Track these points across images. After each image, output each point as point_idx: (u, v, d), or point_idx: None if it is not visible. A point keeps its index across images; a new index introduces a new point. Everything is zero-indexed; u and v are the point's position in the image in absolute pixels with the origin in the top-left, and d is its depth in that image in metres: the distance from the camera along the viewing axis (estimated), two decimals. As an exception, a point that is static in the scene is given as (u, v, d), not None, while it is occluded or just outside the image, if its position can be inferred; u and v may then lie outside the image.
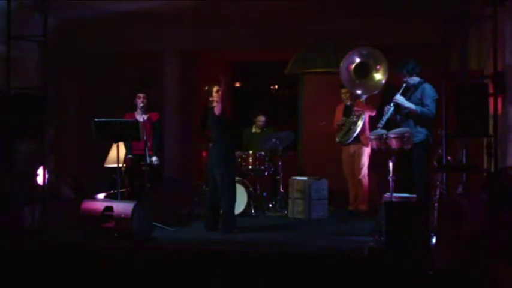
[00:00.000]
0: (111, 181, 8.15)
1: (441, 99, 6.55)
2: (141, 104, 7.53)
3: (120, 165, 7.25)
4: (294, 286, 5.69)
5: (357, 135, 8.03)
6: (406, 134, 6.60)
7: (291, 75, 10.14)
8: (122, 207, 6.53)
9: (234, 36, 10.62)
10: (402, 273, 5.49)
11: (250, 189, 8.44)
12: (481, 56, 8.32)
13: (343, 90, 8.29)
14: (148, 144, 7.21)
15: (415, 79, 7.06)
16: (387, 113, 7.08)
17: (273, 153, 8.75)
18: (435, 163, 6.80)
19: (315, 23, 9.94)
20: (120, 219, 6.45)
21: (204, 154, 9.85)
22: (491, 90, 6.42)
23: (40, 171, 7.11)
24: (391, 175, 6.59)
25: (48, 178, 7.05)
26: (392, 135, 6.64)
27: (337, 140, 8.32)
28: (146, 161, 7.14)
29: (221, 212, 7.15)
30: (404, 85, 7.08)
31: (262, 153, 8.63)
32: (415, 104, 6.94)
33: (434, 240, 5.90)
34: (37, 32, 7.03)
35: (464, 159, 6.76)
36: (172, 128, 11.00)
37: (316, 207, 8.05)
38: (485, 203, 5.99)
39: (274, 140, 8.54)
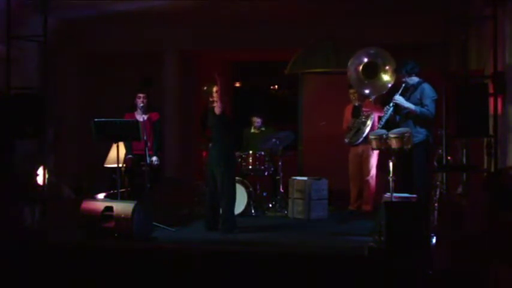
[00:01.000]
0: (111, 181, 8.15)
1: (441, 99, 6.55)
2: (141, 104, 7.53)
3: (120, 165, 7.25)
4: (294, 286, 5.69)
5: (366, 135, 8.01)
6: (406, 134, 6.61)
7: (291, 75, 10.14)
8: (121, 207, 6.53)
9: (234, 36, 10.62)
10: (402, 273, 5.49)
11: (250, 189, 8.44)
12: (481, 56, 8.32)
13: (351, 91, 8.29)
14: (148, 144, 7.21)
15: (414, 79, 7.06)
16: (386, 113, 7.08)
17: (273, 153, 8.75)
18: (435, 163, 6.80)
19: (315, 23, 9.94)
20: (120, 219, 6.45)
21: (204, 154, 9.85)
22: (491, 90, 6.42)
23: (40, 171, 7.11)
24: (391, 175, 6.59)
25: (48, 178, 7.04)
26: (392, 135, 6.64)
27: (346, 140, 8.32)
28: (146, 161, 7.14)
29: (221, 211, 7.16)
30: (403, 85, 7.08)
31: (262, 153, 8.63)
32: (415, 104, 6.93)
33: (434, 240, 5.90)
34: (37, 32, 7.03)
35: (464, 159, 6.75)
36: (172, 128, 11.01)
37: (316, 207, 8.05)
38: (485, 203, 5.98)
39: (274, 140, 8.54)
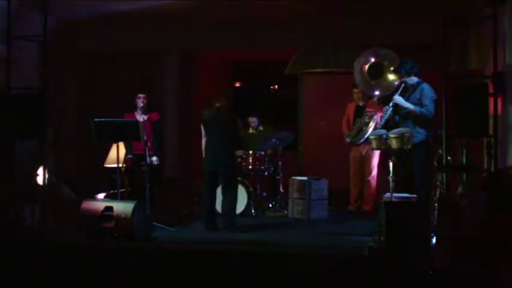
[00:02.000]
0: (111, 181, 8.15)
1: (441, 99, 6.55)
2: (141, 104, 7.53)
3: (120, 165, 7.26)
4: (294, 286, 5.69)
5: (368, 136, 8.01)
6: (406, 134, 6.60)
7: (291, 75, 10.14)
8: (121, 207, 6.53)
9: (234, 36, 10.61)
10: (402, 273, 5.49)
11: (250, 189, 8.44)
12: (481, 56, 8.32)
13: (355, 90, 8.30)
14: (148, 144, 7.21)
15: (414, 79, 7.05)
16: (386, 114, 7.08)
17: (273, 153, 8.75)
18: (435, 163, 6.80)
19: (315, 23, 9.94)
20: (120, 219, 6.45)
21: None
22: (491, 90, 6.41)
23: (40, 171, 7.11)
24: (391, 175, 6.59)
25: (48, 178, 7.04)
26: (392, 135, 6.64)
27: (348, 140, 8.33)
28: (146, 161, 7.14)
29: (222, 211, 7.17)
30: (402, 85, 7.07)
31: (262, 153, 8.63)
32: (414, 104, 6.92)
33: (434, 240, 5.90)
34: (37, 32, 7.03)
35: (464, 159, 6.75)
36: (172, 128, 11.00)
37: (316, 207, 8.05)
38: (485, 203, 5.98)
39: (274, 140, 8.53)
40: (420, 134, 6.91)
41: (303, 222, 7.88)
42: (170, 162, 10.74)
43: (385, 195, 6.67)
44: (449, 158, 6.40)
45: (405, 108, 6.98)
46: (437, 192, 6.51)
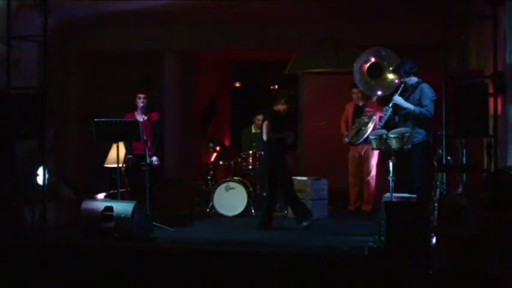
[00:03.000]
0: (111, 181, 8.15)
1: (441, 99, 6.54)
2: (142, 104, 7.53)
3: (120, 165, 7.26)
4: (294, 286, 5.69)
5: (367, 136, 8.00)
6: (406, 134, 6.61)
7: (291, 75, 10.14)
8: (121, 207, 6.53)
9: (234, 36, 10.61)
10: (402, 273, 5.49)
11: (250, 189, 8.45)
12: (481, 56, 8.32)
13: (354, 90, 8.30)
14: (148, 144, 7.22)
15: (413, 79, 7.05)
16: (386, 114, 7.08)
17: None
18: (435, 163, 6.80)
19: (315, 23, 9.94)
20: (120, 219, 6.46)
21: (203, 154, 9.86)
22: (491, 90, 6.41)
23: (40, 171, 7.11)
24: (391, 175, 6.59)
25: (48, 178, 7.04)
26: (392, 135, 6.64)
27: (346, 140, 8.33)
28: (146, 161, 7.14)
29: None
30: (402, 85, 7.07)
31: (262, 153, 8.62)
32: (414, 104, 6.93)
33: (434, 240, 5.89)
34: (37, 32, 7.03)
35: (464, 159, 6.74)
36: (172, 128, 11.00)
37: (316, 207, 8.05)
38: (485, 203, 5.98)
39: (274, 140, 8.52)
40: (420, 134, 6.92)
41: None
42: (170, 162, 10.73)
43: (385, 195, 6.68)
44: (449, 158, 6.39)
45: (405, 109, 6.98)
46: (437, 192, 6.50)
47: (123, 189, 7.31)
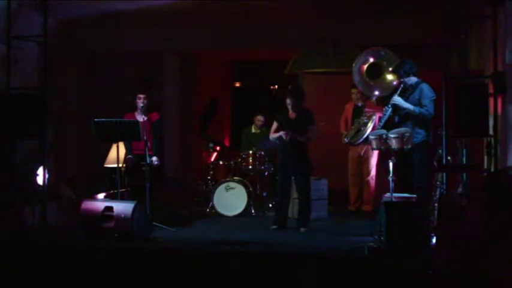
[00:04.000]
0: (111, 181, 8.15)
1: (441, 99, 6.54)
2: (142, 105, 7.53)
3: (120, 165, 7.26)
4: (294, 286, 5.69)
5: (367, 136, 8.00)
6: (406, 134, 6.60)
7: (291, 75, 10.14)
8: (121, 207, 6.53)
9: (234, 36, 10.61)
10: (402, 273, 5.49)
11: (250, 189, 8.45)
12: (481, 56, 8.31)
13: (353, 90, 8.30)
14: (148, 144, 7.22)
15: (413, 79, 7.04)
16: (385, 114, 7.07)
17: (273, 153, 8.75)
18: (435, 163, 6.80)
19: (315, 23, 9.94)
20: (120, 219, 6.46)
21: (203, 154, 9.87)
22: (491, 90, 6.41)
23: (40, 171, 7.11)
24: (391, 175, 6.59)
25: (48, 178, 7.04)
26: (392, 135, 6.64)
27: (346, 140, 8.33)
28: (146, 161, 7.14)
29: (299, 208, 7.44)
30: (401, 86, 7.07)
31: (262, 153, 8.64)
32: (413, 104, 6.92)
33: (434, 240, 5.89)
34: (37, 32, 7.03)
35: (464, 159, 6.75)
36: (172, 128, 11.01)
37: (316, 207, 8.04)
38: (485, 203, 5.98)
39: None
40: (420, 134, 6.91)
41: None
42: (170, 162, 10.74)
43: (385, 195, 6.67)
44: (449, 158, 6.39)
45: (404, 109, 6.98)
46: (437, 192, 6.51)
47: (123, 189, 7.31)
